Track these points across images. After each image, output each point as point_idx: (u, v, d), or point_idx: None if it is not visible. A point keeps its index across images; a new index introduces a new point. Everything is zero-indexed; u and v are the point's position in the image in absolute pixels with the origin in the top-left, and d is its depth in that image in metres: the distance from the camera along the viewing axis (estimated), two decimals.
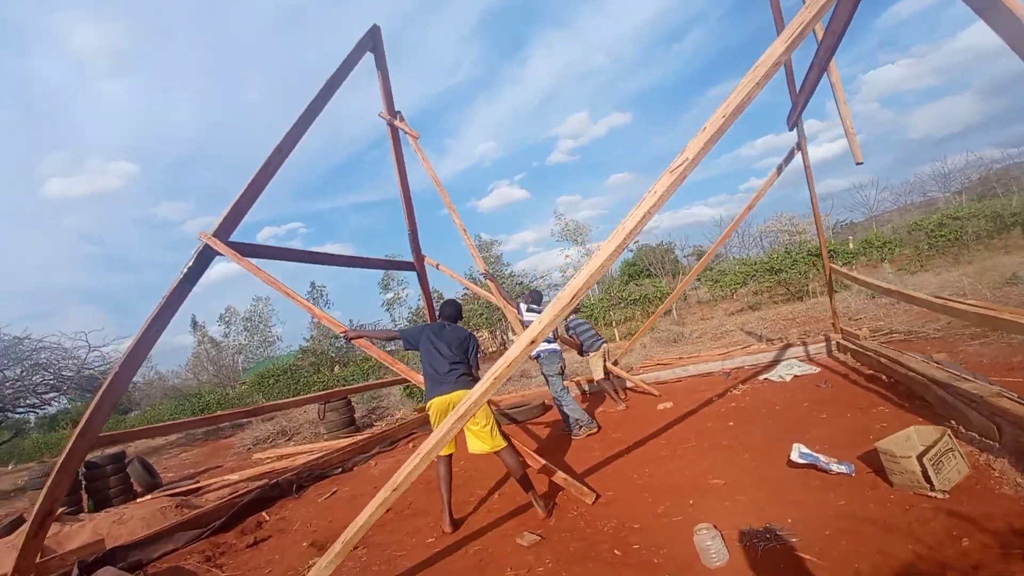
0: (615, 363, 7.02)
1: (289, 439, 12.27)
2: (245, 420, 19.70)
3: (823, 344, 6.28)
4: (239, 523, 4.78)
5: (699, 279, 17.88)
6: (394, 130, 7.33)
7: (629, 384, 6.78)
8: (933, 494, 2.49)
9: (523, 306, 5.98)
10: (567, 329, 6.50)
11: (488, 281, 7.16)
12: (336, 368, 23.16)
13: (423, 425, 8.10)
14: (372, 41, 6.52)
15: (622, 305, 18.92)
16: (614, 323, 18.80)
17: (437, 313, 4.17)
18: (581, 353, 6.48)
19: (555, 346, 5.72)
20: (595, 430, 5.38)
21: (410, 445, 6.94)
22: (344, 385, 21.15)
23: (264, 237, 72.51)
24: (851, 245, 16.37)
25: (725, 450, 3.87)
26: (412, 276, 8.34)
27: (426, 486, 4.54)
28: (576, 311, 6.17)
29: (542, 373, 5.80)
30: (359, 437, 9.07)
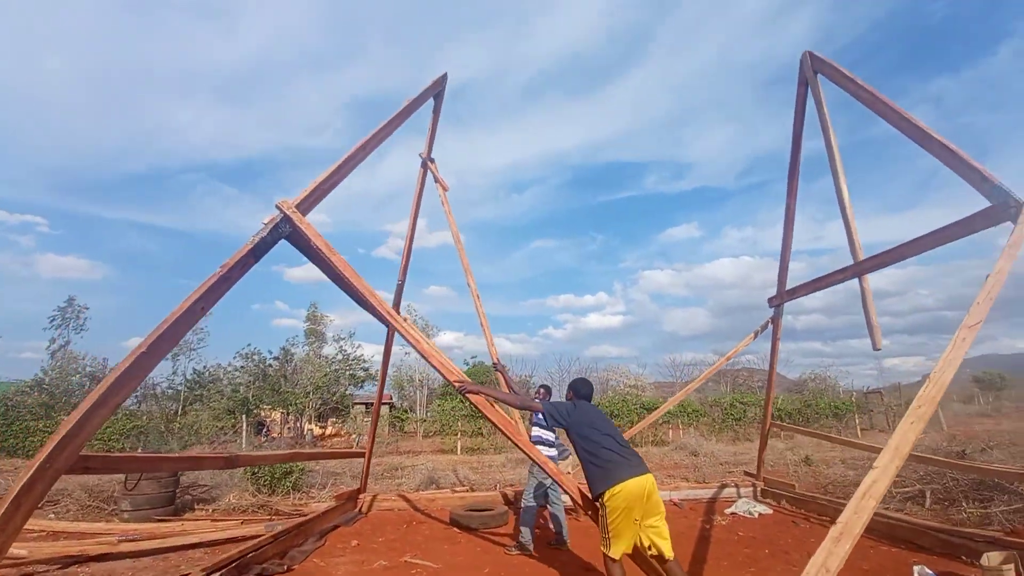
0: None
1: (39, 507, 8.24)
2: None
3: (750, 488, 7.25)
4: None
5: None
6: (425, 173, 6.95)
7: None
8: None
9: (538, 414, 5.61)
10: (534, 425, 5.63)
11: (498, 372, 6.64)
12: None
13: (344, 515, 6.42)
14: (440, 87, 6.43)
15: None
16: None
17: (571, 392, 3.76)
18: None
19: (554, 451, 5.34)
20: (530, 552, 4.95)
21: (353, 544, 5.39)
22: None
23: None
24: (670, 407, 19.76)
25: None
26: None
27: None
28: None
29: (529, 472, 5.42)
30: (228, 522, 6.77)
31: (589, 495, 3.35)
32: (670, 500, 7.10)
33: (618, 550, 3.10)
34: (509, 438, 3.67)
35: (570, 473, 5.69)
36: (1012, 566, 3.19)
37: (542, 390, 5.98)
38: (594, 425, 3.37)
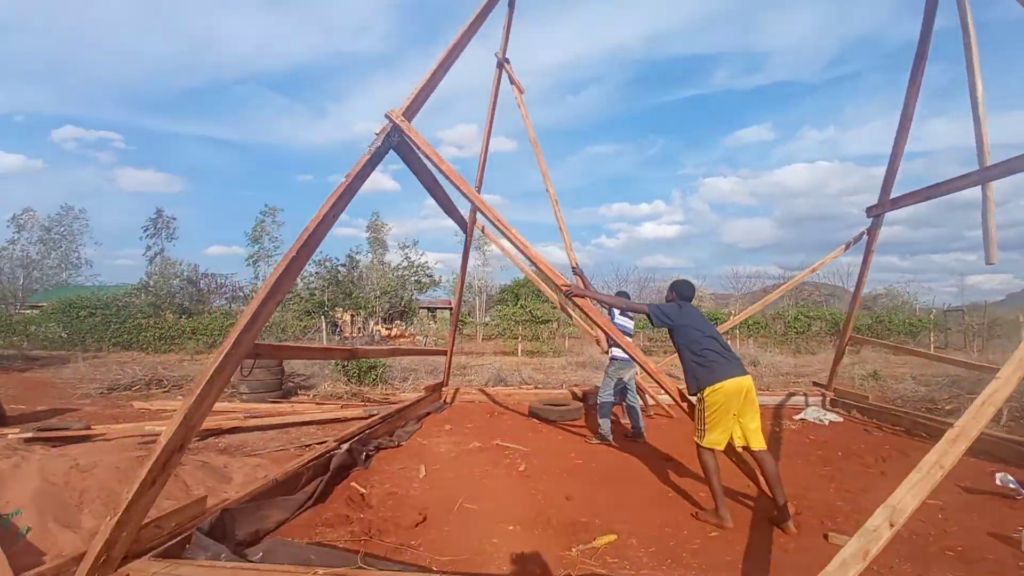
0: None
1: (166, 391, 9.73)
2: (51, 357, 14.96)
3: (819, 398, 7.37)
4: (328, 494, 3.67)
5: None
6: (500, 74, 6.71)
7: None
8: None
9: (615, 309, 5.75)
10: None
11: (577, 276, 6.85)
12: (183, 318, 18.96)
13: (433, 404, 7.19)
14: None
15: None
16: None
17: (674, 293, 3.83)
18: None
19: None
20: (610, 440, 5.35)
21: (446, 428, 6.09)
22: (190, 335, 17.47)
23: (63, 137, 57.31)
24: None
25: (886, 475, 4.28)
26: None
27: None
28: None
29: (607, 372, 5.73)
30: (329, 405, 7.71)
31: (686, 391, 3.55)
32: None
33: (711, 441, 3.33)
34: (613, 338, 3.90)
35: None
36: None
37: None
38: (697, 326, 3.49)
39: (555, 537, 3.10)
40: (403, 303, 22.92)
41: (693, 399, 3.52)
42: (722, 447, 3.40)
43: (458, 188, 3.58)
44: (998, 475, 3.77)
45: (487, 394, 8.00)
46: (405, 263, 22.02)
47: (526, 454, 5.00)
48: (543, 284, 8.56)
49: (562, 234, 7.08)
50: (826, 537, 3.06)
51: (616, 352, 5.68)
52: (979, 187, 4.70)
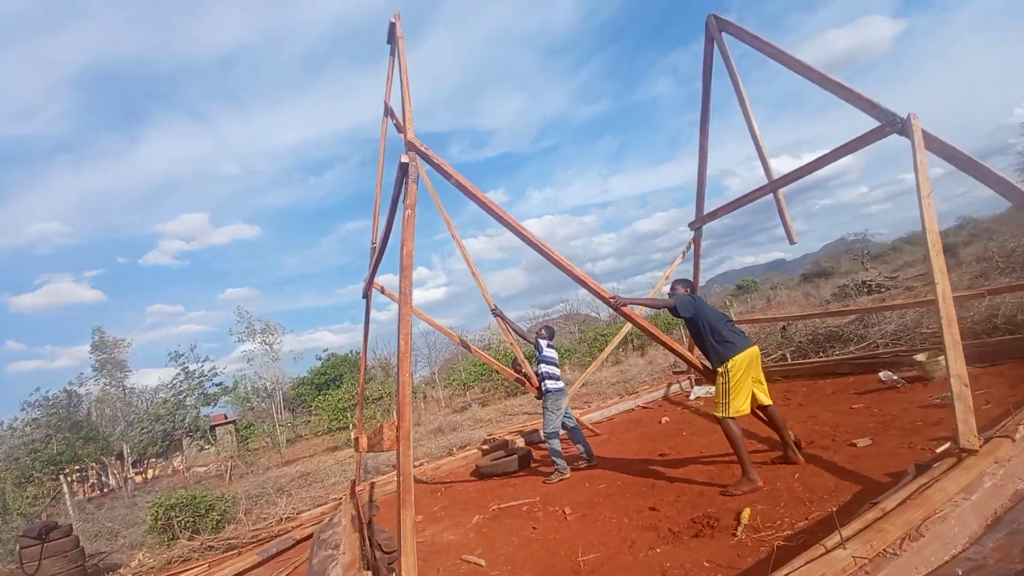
0: None
1: None
2: None
3: (690, 378, 8.90)
4: None
5: (441, 380, 19.12)
6: (387, 122, 6.45)
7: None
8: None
9: (543, 342, 6.04)
10: (540, 362, 5.95)
11: (497, 317, 6.80)
12: None
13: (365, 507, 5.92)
14: (391, 35, 6.03)
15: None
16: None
17: (687, 287, 4.38)
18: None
19: (561, 384, 5.88)
20: (567, 475, 5.39)
21: (418, 519, 5.13)
22: None
23: None
24: None
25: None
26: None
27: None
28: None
29: (544, 408, 5.83)
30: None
31: (711, 367, 4.03)
32: (648, 402, 8.32)
33: (737, 408, 3.82)
34: (666, 344, 4.14)
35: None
36: (940, 358, 4.95)
37: (546, 332, 6.29)
38: (711, 312, 4.08)
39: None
40: (187, 425, 17.92)
41: (719, 370, 4.00)
42: (747, 411, 3.95)
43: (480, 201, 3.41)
44: (881, 373, 5.37)
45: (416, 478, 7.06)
46: (182, 376, 17.36)
47: (531, 506, 4.67)
48: (489, 357, 8.60)
49: (476, 280, 7.09)
50: (854, 444, 3.87)
51: (550, 384, 5.77)
52: (771, 196, 6.77)
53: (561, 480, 5.33)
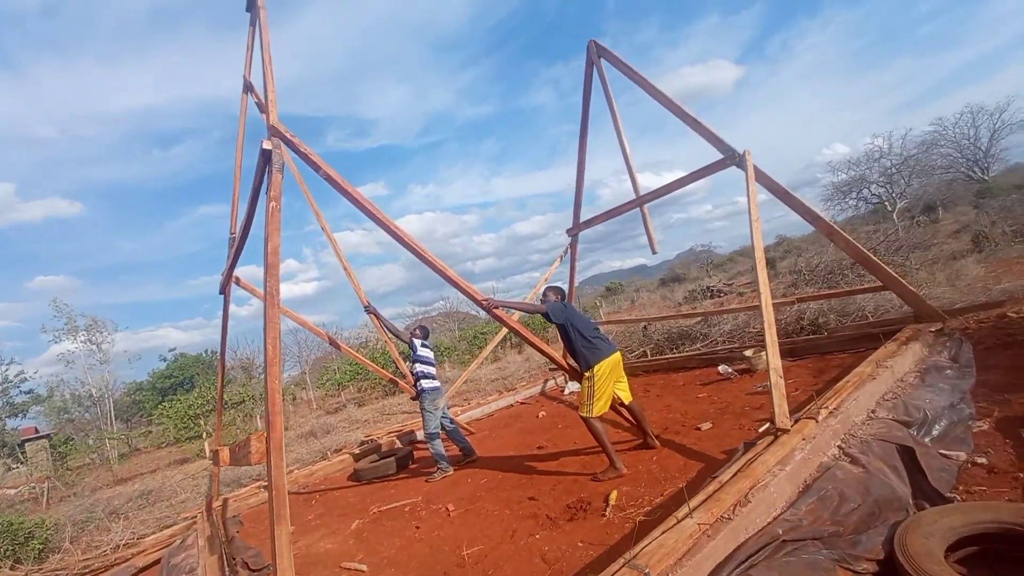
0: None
1: None
2: None
3: (563, 376, 9.49)
4: None
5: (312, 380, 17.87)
6: (246, 99, 5.86)
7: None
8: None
9: (417, 341, 6.05)
10: (415, 361, 5.93)
11: (370, 314, 6.61)
12: None
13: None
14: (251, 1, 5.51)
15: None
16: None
17: (558, 295, 4.59)
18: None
19: (437, 383, 5.91)
20: (450, 473, 5.49)
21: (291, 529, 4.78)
22: None
23: None
24: None
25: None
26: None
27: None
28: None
29: (421, 409, 5.82)
30: None
31: (578, 370, 4.36)
32: (517, 401, 8.66)
33: (599, 409, 4.20)
34: (535, 346, 4.31)
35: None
36: (763, 353, 5.95)
37: (421, 332, 6.27)
38: (580, 319, 4.40)
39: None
40: None
41: (585, 375, 4.35)
42: (605, 411, 4.30)
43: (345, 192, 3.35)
44: (720, 367, 6.27)
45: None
46: None
47: (414, 505, 4.69)
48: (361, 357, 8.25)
49: (349, 276, 6.81)
50: (699, 428, 4.51)
51: (425, 384, 5.77)
52: (637, 208, 7.54)
53: (444, 478, 5.39)
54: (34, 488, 13.26)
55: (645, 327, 11.74)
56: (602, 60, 7.41)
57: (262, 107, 5.35)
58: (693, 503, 2.57)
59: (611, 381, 4.26)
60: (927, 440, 3.24)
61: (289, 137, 3.21)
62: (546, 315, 4.32)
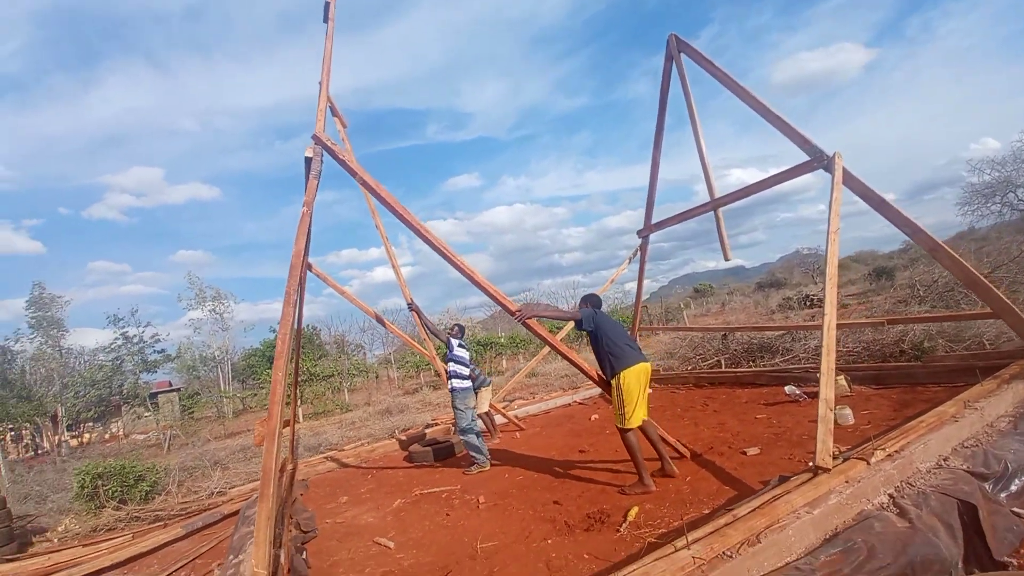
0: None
1: None
2: None
3: None
4: None
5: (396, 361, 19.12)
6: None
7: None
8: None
9: (454, 341, 6.18)
10: (449, 360, 6.09)
11: (413, 312, 6.90)
12: None
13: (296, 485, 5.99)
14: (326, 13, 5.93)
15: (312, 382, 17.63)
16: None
17: (587, 303, 4.55)
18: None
19: (468, 383, 6.03)
20: (487, 468, 5.55)
21: (343, 500, 5.26)
22: None
23: None
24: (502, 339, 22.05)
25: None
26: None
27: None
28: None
29: (453, 407, 5.94)
30: (112, 541, 5.66)
31: (606, 378, 4.23)
32: (575, 401, 8.64)
33: (637, 418, 4.04)
34: (566, 357, 4.32)
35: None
36: (840, 377, 5.36)
37: (457, 331, 6.44)
38: (612, 327, 4.30)
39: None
40: (125, 390, 17.37)
41: (612, 382, 4.17)
42: (641, 422, 4.09)
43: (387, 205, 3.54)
44: (787, 388, 5.81)
45: (336, 460, 7.17)
46: (120, 340, 16.70)
47: (451, 493, 4.89)
48: (403, 334, 8.56)
49: (396, 273, 7.14)
50: (745, 453, 4.23)
51: (456, 383, 5.90)
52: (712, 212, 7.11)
53: (480, 472, 5.49)
54: (160, 435, 15.60)
55: (724, 336, 11.09)
56: (682, 55, 7.05)
57: (335, 110, 5.75)
58: (696, 535, 2.46)
59: (640, 389, 4.10)
60: (1002, 495, 2.80)
61: (328, 145, 3.49)
62: (578, 323, 4.28)
